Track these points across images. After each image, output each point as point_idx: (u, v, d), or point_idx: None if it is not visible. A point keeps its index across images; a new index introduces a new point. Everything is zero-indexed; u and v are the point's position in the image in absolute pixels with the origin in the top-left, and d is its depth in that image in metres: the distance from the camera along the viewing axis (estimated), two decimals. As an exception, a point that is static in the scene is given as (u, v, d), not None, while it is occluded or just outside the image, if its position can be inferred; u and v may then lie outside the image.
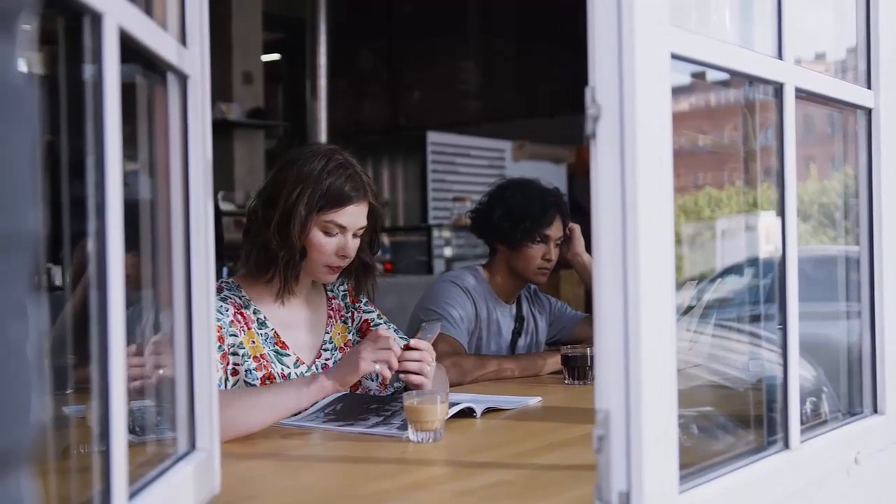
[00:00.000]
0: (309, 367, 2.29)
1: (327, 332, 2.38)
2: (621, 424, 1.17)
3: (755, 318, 1.91)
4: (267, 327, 2.25)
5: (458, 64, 10.29)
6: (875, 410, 1.81)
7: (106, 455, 1.00)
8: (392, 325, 2.49)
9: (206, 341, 1.38)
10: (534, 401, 2.36)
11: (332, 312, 2.41)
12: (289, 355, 2.26)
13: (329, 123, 8.85)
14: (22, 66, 0.55)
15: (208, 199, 1.39)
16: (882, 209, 1.80)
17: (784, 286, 1.52)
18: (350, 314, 2.45)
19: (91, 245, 1.00)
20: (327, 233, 2.22)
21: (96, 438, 1.38)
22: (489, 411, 2.18)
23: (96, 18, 0.99)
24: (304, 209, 2.18)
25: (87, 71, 1.01)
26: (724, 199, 1.99)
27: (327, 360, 2.34)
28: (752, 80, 1.56)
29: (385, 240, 7.81)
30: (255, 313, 2.25)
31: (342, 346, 2.39)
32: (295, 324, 2.32)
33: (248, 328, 2.21)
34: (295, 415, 2.08)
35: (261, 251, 2.23)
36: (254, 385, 2.17)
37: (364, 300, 2.48)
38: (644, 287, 1.15)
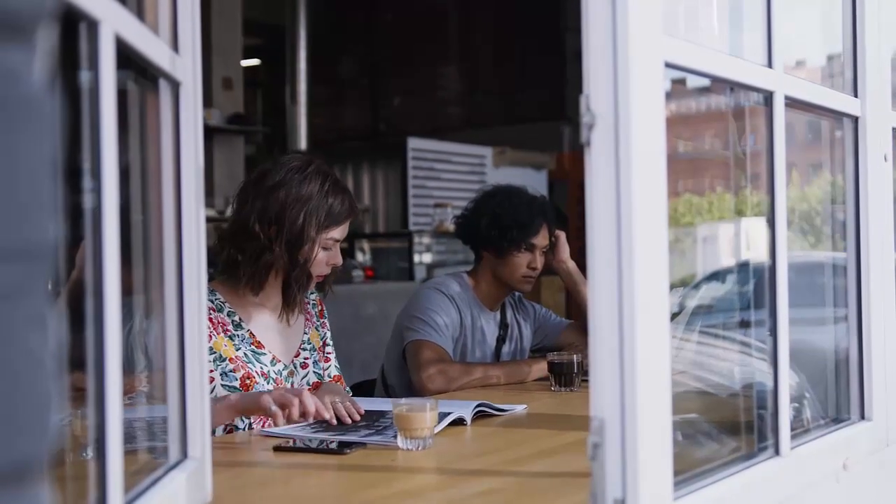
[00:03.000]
0: (286, 366, 2.37)
1: (306, 333, 2.46)
2: (616, 432, 1.17)
3: (741, 325, 1.91)
4: (243, 329, 2.31)
5: (438, 70, 10.30)
6: (862, 417, 1.82)
7: (102, 464, 0.99)
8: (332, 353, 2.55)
9: (197, 350, 1.37)
10: (520, 408, 2.36)
11: (308, 315, 2.49)
12: (265, 354, 2.32)
13: (309, 129, 8.83)
14: (41, 76, 0.55)
15: (200, 205, 1.38)
16: (868, 216, 1.81)
17: (774, 293, 1.52)
18: (321, 322, 2.54)
19: (87, 251, 1.00)
20: (326, 248, 2.32)
21: (83, 446, 1.38)
22: (479, 417, 2.18)
23: (93, 25, 0.99)
24: (315, 231, 2.27)
25: (83, 77, 1.00)
26: (705, 205, 2.00)
27: (306, 358, 2.43)
28: (743, 88, 1.57)
29: (366, 246, 7.80)
30: (229, 315, 2.30)
31: (319, 347, 2.49)
32: (273, 326, 2.38)
33: (219, 333, 2.26)
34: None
35: (264, 271, 2.28)
36: (233, 387, 2.23)
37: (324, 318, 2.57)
38: (639, 294, 1.16)
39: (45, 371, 0.54)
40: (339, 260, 2.36)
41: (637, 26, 1.17)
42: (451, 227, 3.35)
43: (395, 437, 1.89)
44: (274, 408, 1.95)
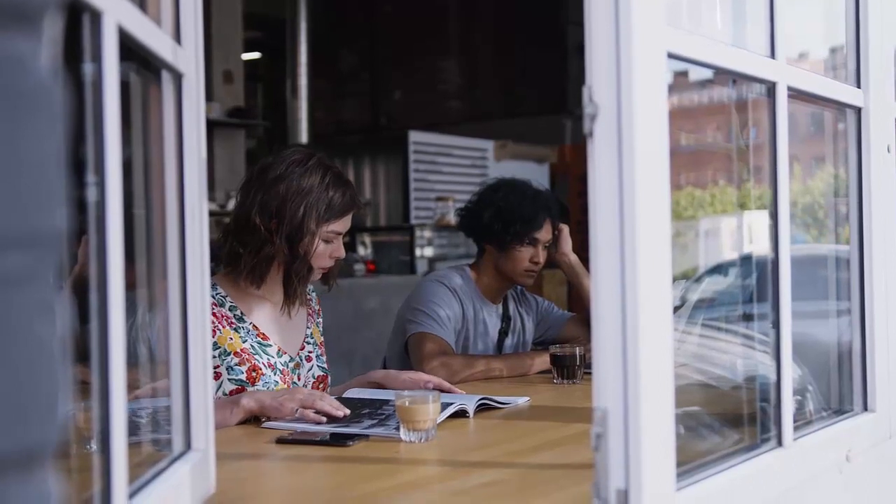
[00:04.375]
0: (292, 358, 2.38)
1: (308, 328, 2.47)
2: (619, 422, 1.17)
3: (743, 318, 1.91)
4: (245, 322, 2.32)
5: (438, 64, 10.29)
6: (865, 408, 1.82)
7: (106, 455, 0.99)
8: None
9: (201, 341, 1.37)
10: (522, 400, 2.36)
11: (310, 310, 2.51)
12: (271, 345, 2.34)
13: (310, 123, 8.81)
14: (48, 64, 0.54)
15: (203, 197, 1.38)
16: (871, 207, 1.81)
17: (777, 285, 1.52)
18: (319, 321, 2.56)
19: (91, 245, 0.99)
20: (327, 241, 2.33)
21: (86, 439, 1.38)
22: (482, 409, 2.18)
23: (96, 16, 0.98)
24: (315, 224, 2.27)
25: (86, 69, 1.00)
26: (708, 198, 2.00)
27: (310, 352, 2.45)
28: (746, 79, 1.56)
29: (367, 240, 7.80)
30: (231, 310, 2.32)
31: (319, 343, 2.50)
32: (276, 319, 2.39)
33: (224, 326, 2.27)
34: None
35: (265, 263, 2.29)
36: (240, 380, 2.24)
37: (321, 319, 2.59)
38: (642, 285, 1.16)
39: (54, 358, 0.54)
40: (341, 252, 2.37)
41: (640, 17, 1.17)
42: (452, 220, 3.33)
43: (398, 428, 1.89)
44: (299, 412, 2.03)
